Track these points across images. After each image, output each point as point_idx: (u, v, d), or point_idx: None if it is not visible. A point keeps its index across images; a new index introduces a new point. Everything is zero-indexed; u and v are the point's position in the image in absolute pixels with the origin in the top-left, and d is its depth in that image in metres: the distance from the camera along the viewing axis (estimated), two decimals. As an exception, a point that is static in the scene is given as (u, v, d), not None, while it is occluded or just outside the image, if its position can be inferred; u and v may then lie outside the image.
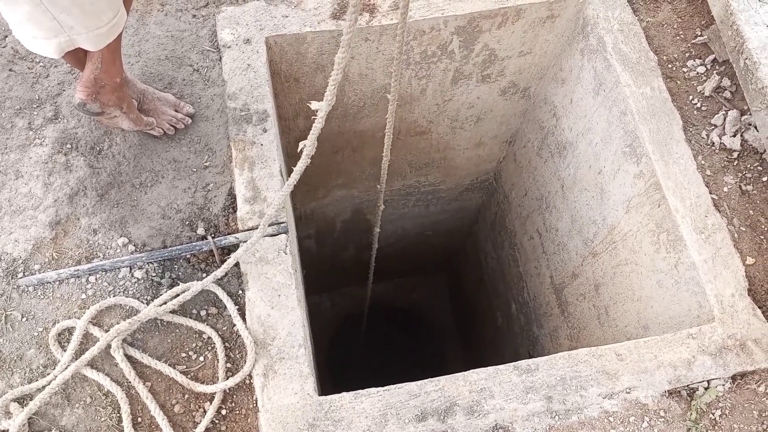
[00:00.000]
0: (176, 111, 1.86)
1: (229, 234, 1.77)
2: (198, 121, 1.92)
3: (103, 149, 1.84)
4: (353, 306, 5.25)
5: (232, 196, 1.83)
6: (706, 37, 2.07)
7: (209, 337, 1.65)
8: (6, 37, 1.94)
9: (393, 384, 1.64)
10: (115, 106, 1.66)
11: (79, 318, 1.61)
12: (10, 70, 1.89)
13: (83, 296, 1.65)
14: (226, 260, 1.65)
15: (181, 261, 1.73)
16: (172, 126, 1.85)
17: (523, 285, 3.30)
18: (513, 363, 1.66)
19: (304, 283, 3.52)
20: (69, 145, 1.82)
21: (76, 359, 1.57)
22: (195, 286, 1.63)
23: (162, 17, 2.03)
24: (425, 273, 5.23)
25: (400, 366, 4.89)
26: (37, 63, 1.91)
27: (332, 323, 5.20)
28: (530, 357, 3.32)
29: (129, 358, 1.60)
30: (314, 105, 1.29)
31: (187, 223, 1.78)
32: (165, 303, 1.63)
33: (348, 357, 4.97)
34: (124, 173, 1.82)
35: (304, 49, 2.12)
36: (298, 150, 1.35)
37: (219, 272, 1.63)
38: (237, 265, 1.73)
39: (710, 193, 1.86)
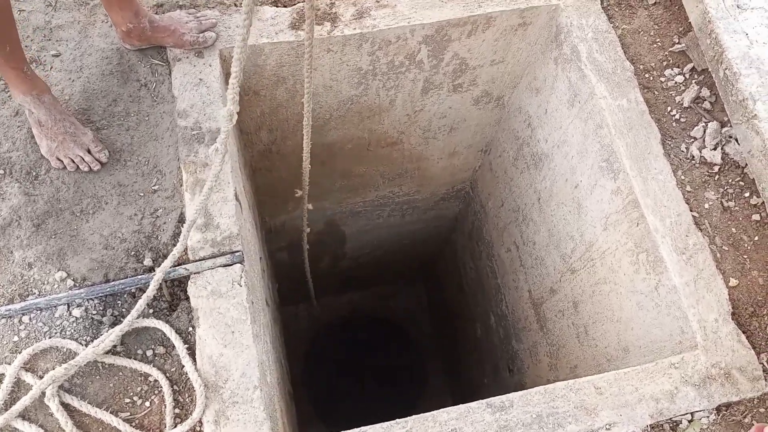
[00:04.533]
0: (89, 152, 1.69)
1: (178, 265, 1.63)
2: (146, 140, 1.78)
3: (39, 174, 1.69)
4: (330, 316, 5.14)
5: (182, 222, 1.69)
6: (684, 44, 1.98)
7: (156, 380, 1.51)
8: (-69, 52, 1.78)
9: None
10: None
11: (9, 363, 1.47)
12: (-64, 89, 1.74)
13: (15, 338, 1.51)
14: (173, 293, 1.52)
15: (125, 296, 1.59)
16: (74, 164, 1.69)
17: (501, 297, 3.20)
18: (486, 400, 1.55)
19: (277, 297, 3.40)
20: (2, 171, 1.67)
21: (6, 410, 1.43)
22: (130, 316, 1.48)
23: (107, 29, 1.89)
24: (404, 281, 5.13)
25: (378, 376, 4.80)
26: (-34, 81, 1.76)
27: (309, 333, 5.08)
28: (510, 372, 3.24)
29: (66, 407, 1.46)
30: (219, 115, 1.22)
31: (133, 253, 1.64)
32: (106, 344, 1.49)
33: (324, 368, 4.85)
34: (63, 200, 1.67)
35: (262, 61, 1.99)
36: (211, 155, 1.25)
37: (150, 291, 1.46)
38: (188, 299, 1.60)
39: (691, 211, 1.77)
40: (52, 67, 1.82)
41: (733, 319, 1.65)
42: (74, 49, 1.85)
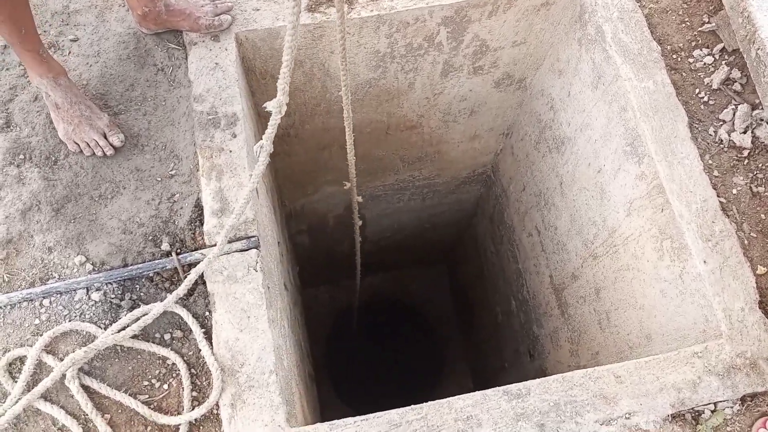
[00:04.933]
0: (104, 136, 1.70)
1: (195, 250, 1.64)
2: (163, 125, 1.78)
3: (59, 159, 1.71)
4: (351, 298, 5.15)
5: (199, 207, 1.70)
6: (714, 24, 1.90)
7: (173, 363, 1.53)
8: (-47, 38, 1.80)
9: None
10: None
11: (31, 346, 1.50)
12: (-43, 74, 1.76)
13: (36, 321, 1.53)
14: (192, 281, 1.53)
15: (143, 280, 1.61)
16: (90, 148, 1.70)
17: (522, 282, 3.17)
18: (502, 387, 1.53)
19: (298, 281, 3.41)
20: (22, 156, 1.69)
21: (29, 391, 1.46)
22: (156, 308, 1.50)
23: (123, 13, 1.88)
24: (425, 264, 5.11)
25: (399, 360, 4.81)
26: (-14, 66, 1.78)
27: (331, 316, 5.10)
28: (531, 357, 3.21)
29: (86, 389, 1.48)
30: (268, 106, 1.18)
31: (150, 238, 1.65)
32: (124, 327, 1.50)
33: (347, 350, 4.88)
34: (81, 185, 1.69)
35: (279, 44, 1.97)
36: (255, 153, 1.23)
37: (180, 290, 1.51)
38: (204, 283, 1.61)
39: (718, 196, 1.71)
40: (70, 52, 1.83)
41: (760, 308, 1.60)
42: (91, 34, 1.86)
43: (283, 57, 1.13)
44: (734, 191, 1.73)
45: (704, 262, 1.63)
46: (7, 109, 1.73)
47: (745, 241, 1.67)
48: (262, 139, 1.27)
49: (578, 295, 2.47)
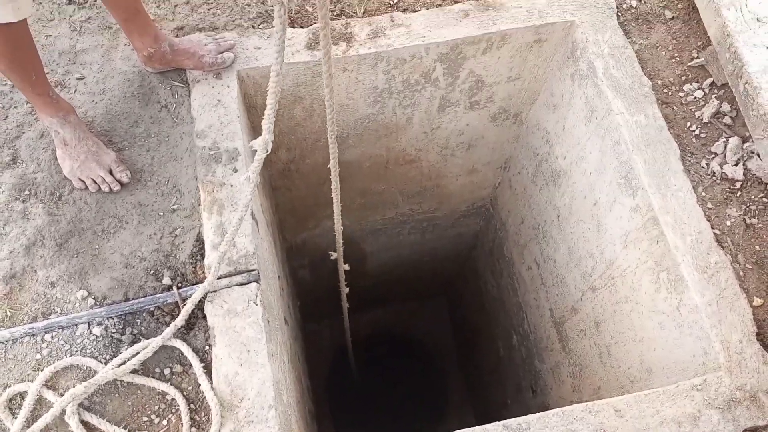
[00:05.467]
0: (110, 173, 1.74)
1: (196, 284, 1.66)
2: (166, 161, 1.82)
3: (63, 195, 1.74)
4: (352, 333, 5.12)
5: (200, 241, 1.72)
6: (703, 59, 1.95)
7: (173, 399, 1.53)
8: (-37, 79, 1.86)
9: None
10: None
11: (32, 381, 1.50)
12: (-34, 113, 1.81)
13: (38, 356, 1.54)
14: (192, 312, 1.54)
15: (144, 314, 1.62)
16: (96, 184, 1.73)
17: (523, 316, 3.16)
18: (502, 422, 1.52)
19: (299, 315, 3.41)
20: (27, 192, 1.72)
21: (28, 427, 1.45)
22: (154, 342, 1.51)
23: (129, 52, 1.94)
24: (425, 298, 5.10)
25: (401, 395, 4.76)
26: (-5, 105, 1.83)
27: (331, 351, 5.07)
28: (533, 393, 3.18)
29: (85, 425, 1.48)
30: (254, 144, 1.23)
31: (152, 272, 1.67)
32: (124, 362, 1.51)
33: (347, 385, 4.83)
34: (85, 220, 1.71)
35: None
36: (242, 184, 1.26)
37: (178, 321, 1.52)
38: (204, 317, 1.62)
39: (712, 228, 1.73)
40: (76, 90, 1.88)
41: (758, 340, 1.60)
42: (97, 72, 1.91)
43: (267, 99, 1.17)
44: (728, 223, 1.75)
45: (701, 294, 1.64)
46: (14, 146, 1.77)
47: (741, 273, 1.69)
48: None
49: (579, 329, 2.47)
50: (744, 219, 1.75)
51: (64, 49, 1.93)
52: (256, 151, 1.29)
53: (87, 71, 1.90)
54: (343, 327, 4.66)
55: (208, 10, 2.01)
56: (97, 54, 1.93)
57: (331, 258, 2.26)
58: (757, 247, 1.72)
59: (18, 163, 1.76)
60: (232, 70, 1.92)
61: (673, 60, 2.00)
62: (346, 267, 2.40)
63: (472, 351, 4.55)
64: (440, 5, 2.05)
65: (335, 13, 2.05)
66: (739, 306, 1.63)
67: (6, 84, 1.86)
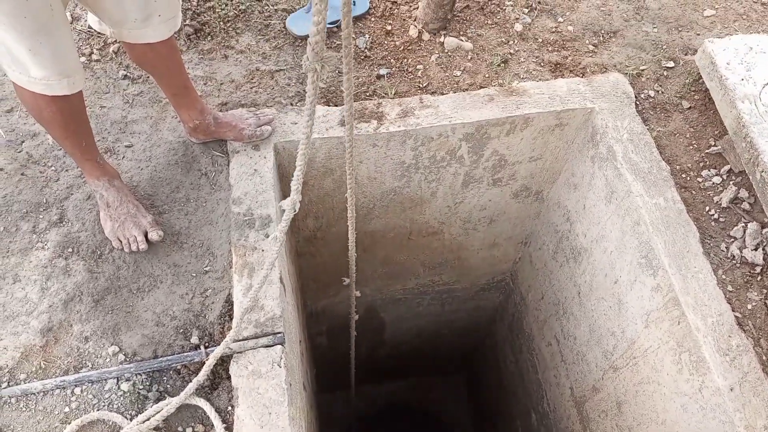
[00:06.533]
0: (145, 234, 1.83)
1: (223, 344, 1.70)
2: (202, 225, 1.91)
3: (103, 253, 1.83)
4: (367, 405, 5.03)
5: (230, 303, 1.78)
6: (720, 147, 2.03)
7: (193, 458, 1.54)
8: (23, 142, 2.00)
9: None
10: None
11: (58, 433, 1.53)
12: (22, 174, 1.93)
13: (66, 409, 1.58)
14: (215, 371, 1.58)
15: (170, 372, 1.66)
16: (129, 244, 1.82)
17: (542, 394, 3.11)
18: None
19: (315, 384, 3.39)
20: (70, 249, 1.82)
21: (50, 480, 1.48)
22: (177, 399, 1.55)
23: (175, 123, 2.08)
24: (443, 373, 5.03)
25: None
26: (48, 167, 1.96)
27: (345, 423, 4.97)
28: (551, 475, 3.08)
29: (106, 481, 1.50)
30: (283, 205, 1.33)
31: (181, 331, 1.73)
32: (149, 419, 1.54)
33: (361, 461, 4.70)
34: (122, 278, 1.79)
35: (312, 153, 2.14)
36: (269, 242, 1.33)
37: (200, 377, 1.56)
38: (229, 378, 1.66)
39: (733, 311, 1.75)
40: (124, 157, 2.01)
41: (783, 427, 1.58)
42: (145, 141, 2.05)
43: (297, 161, 1.26)
44: (749, 306, 1.77)
45: (723, 377, 1.64)
46: (62, 206, 1.88)
47: (764, 357, 1.68)
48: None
49: (600, 409, 2.43)
50: (765, 303, 1.77)
51: (116, 119, 2.08)
52: (284, 211, 1.38)
53: (135, 140, 2.04)
54: (359, 399, 4.59)
55: (251, 88, 2.17)
56: (146, 125, 2.08)
57: (344, 284, 2.30)
58: (779, 332, 1.72)
59: (64, 222, 1.87)
60: (270, 143, 2.05)
61: (691, 147, 2.07)
62: (358, 294, 2.44)
63: (490, 429, 4.43)
64: (467, 89, 2.18)
65: (368, 94, 2.19)
66: (763, 390, 1.62)
67: (61, 149, 2.00)
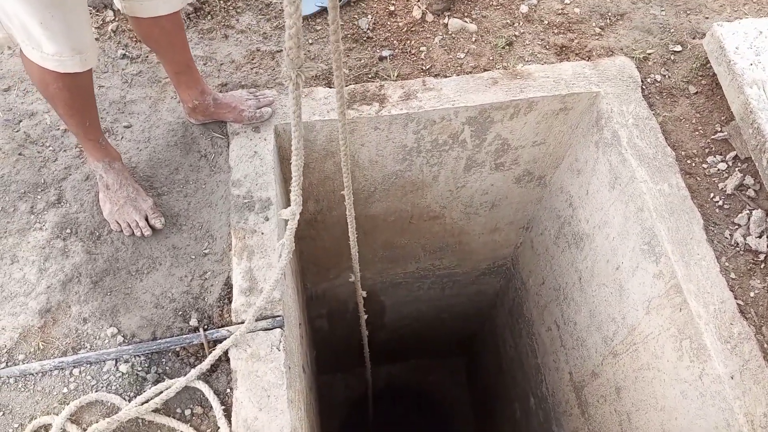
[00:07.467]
0: (146, 219, 1.81)
1: (221, 326, 1.70)
2: (201, 207, 1.90)
3: (102, 234, 1.81)
4: (366, 389, 5.06)
5: (228, 285, 1.77)
6: (726, 133, 2.00)
7: (192, 440, 1.54)
8: (20, 122, 1.98)
9: None
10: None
11: (57, 414, 1.53)
12: (20, 154, 1.91)
13: (65, 390, 1.58)
14: (217, 357, 1.58)
15: (169, 354, 1.66)
16: (130, 228, 1.80)
17: (541, 378, 3.12)
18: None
19: (314, 366, 3.40)
20: (68, 230, 1.81)
21: (49, 460, 1.48)
22: (178, 382, 1.55)
23: (174, 104, 2.06)
24: (443, 355, 5.05)
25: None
26: (46, 147, 1.94)
27: (345, 405, 5.00)
28: (549, 458, 3.10)
29: (105, 461, 1.50)
30: (283, 214, 1.30)
31: (180, 313, 1.72)
32: (147, 401, 1.54)
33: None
34: (121, 259, 1.78)
35: (313, 136, 2.12)
36: (278, 250, 1.32)
37: (204, 365, 1.56)
38: (227, 360, 1.65)
39: (735, 299, 1.73)
40: (123, 137, 1.99)
41: (783, 415, 1.58)
42: (144, 122, 2.02)
43: (292, 172, 1.24)
44: (752, 294, 1.75)
45: (724, 364, 1.63)
46: (60, 187, 1.87)
47: (765, 345, 1.67)
48: (284, 239, 1.38)
49: (599, 394, 2.44)
50: (768, 291, 1.75)
51: (115, 99, 2.06)
52: (287, 208, 1.36)
53: (134, 120, 2.02)
54: (358, 381, 4.61)
55: (251, 69, 2.14)
56: (145, 105, 2.05)
57: (350, 281, 2.30)
58: (781, 320, 1.71)
59: (62, 203, 1.85)
60: (270, 125, 2.02)
61: (697, 133, 2.05)
62: (364, 294, 2.43)
63: (488, 412, 4.46)
64: (470, 72, 2.15)
65: (370, 76, 2.16)
66: (763, 378, 1.61)
67: (59, 129, 1.97)
